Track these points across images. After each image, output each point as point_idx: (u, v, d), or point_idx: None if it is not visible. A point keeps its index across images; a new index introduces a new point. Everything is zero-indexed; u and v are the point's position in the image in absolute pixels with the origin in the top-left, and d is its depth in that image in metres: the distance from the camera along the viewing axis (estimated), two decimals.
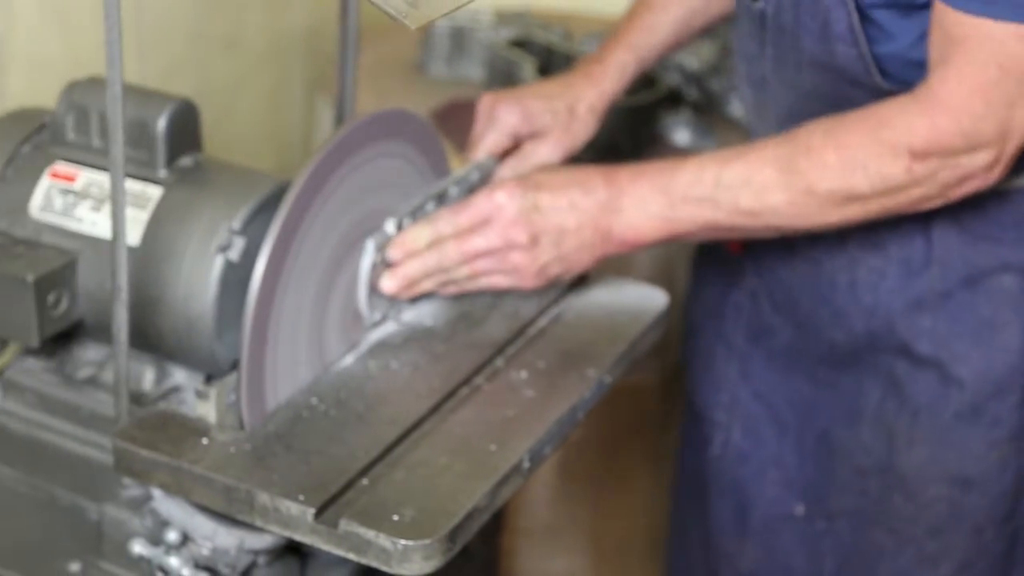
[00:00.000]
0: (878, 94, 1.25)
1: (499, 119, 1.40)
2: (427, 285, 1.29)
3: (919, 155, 1.19)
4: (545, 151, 1.41)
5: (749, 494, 1.52)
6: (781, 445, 1.49)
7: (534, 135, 1.41)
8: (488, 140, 1.39)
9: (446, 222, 1.27)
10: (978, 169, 1.20)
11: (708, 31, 1.56)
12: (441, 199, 1.31)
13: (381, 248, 1.26)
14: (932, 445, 1.35)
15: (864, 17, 1.23)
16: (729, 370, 1.54)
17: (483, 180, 1.36)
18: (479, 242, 1.26)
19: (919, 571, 1.40)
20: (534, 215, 1.26)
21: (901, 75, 1.25)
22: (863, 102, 1.25)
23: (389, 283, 1.27)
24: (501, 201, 1.26)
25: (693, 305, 1.61)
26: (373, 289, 1.26)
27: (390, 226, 1.26)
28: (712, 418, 1.56)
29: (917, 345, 1.34)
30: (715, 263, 1.55)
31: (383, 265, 1.27)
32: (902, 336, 1.35)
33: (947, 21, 1.17)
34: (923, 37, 1.22)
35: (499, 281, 1.29)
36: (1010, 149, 1.20)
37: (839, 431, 1.42)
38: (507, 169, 1.39)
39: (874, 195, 1.21)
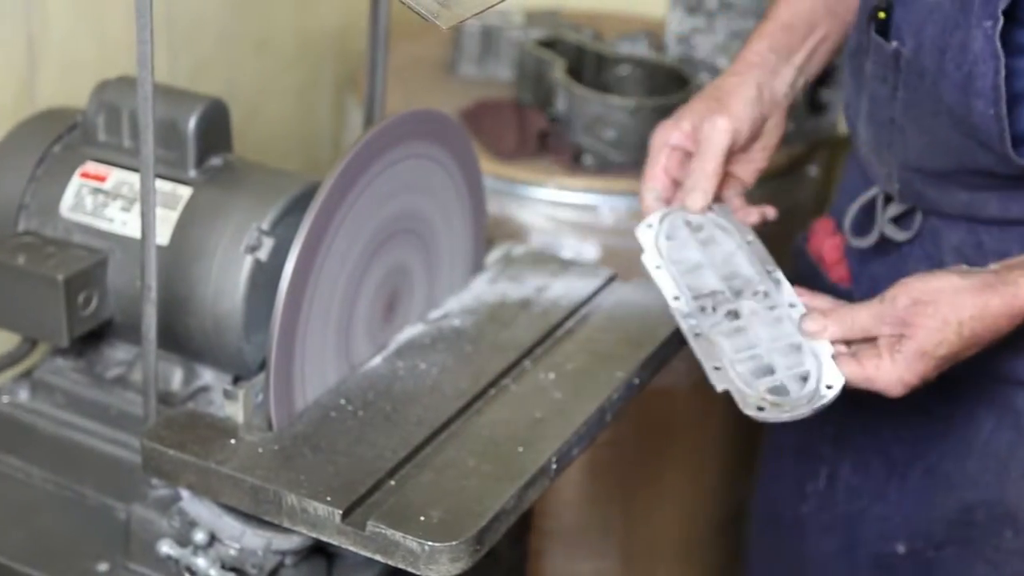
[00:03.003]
0: (1008, 164, 1.20)
1: (714, 141, 1.29)
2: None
3: None
4: (750, 163, 1.34)
5: (857, 530, 1.47)
6: (888, 480, 1.44)
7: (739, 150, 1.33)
8: (704, 168, 1.29)
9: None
10: None
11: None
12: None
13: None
14: None
15: (1015, 73, 1.16)
16: (837, 401, 1.50)
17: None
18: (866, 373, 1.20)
19: None
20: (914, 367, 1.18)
21: None
22: (993, 168, 1.20)
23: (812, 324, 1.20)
24: (893, 381, 1.19)
25: None
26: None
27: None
28: (818, 452, 1.50)
29: None
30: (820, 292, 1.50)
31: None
32: (1022, 364, 1.30)
33: None
34: None
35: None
36: None
37: (947, 464, 1.38)
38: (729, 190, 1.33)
39: None
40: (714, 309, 1.24)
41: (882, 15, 1.26)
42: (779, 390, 1.19)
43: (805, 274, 1.48)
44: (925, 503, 1.40)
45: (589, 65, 1.97)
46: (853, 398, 1.43)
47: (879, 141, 1.32)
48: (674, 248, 1.29)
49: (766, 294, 1.25)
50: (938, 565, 1.41)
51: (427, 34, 2.13)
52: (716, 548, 2.08)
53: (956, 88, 1.19)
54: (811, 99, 1.96)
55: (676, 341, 1.34)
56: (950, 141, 1.23)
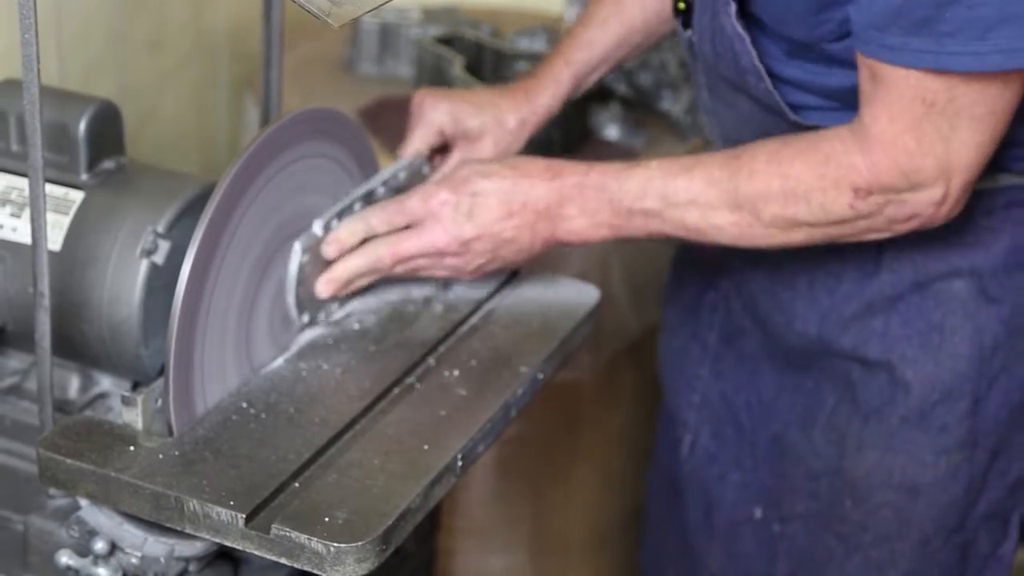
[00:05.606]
0: (796, 125, 1.26)
1: (427, 115, 1.39)
2: (362, 283, 1.28)
3: (862, 192, 1.18)
4: (478, 155, 1.40)
5: (714, 496, 1.52)
6: (740, 447, 1.49)
7: (464, 137, 1.40)
8: (416, 136, 1.39)
9: (379, 219, 1.26)
10: (925, 206, 1.19)
11: (650, 48, 1.54)
12: (368, 199, 1.30)
13: (308, 250, 1.25)
14: (880, 450, 1.34)
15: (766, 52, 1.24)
16: (702, 371, 1.53)
17: (411, 179, 1.35)
18: (411, 245, 1.26)
19: None
20: (467, 224, 1.25)
21: (813, 103, 1.26)
22: (787, 130, 1.25)
23: (325, 287, 1.26)
24: (434, 207, 1.25)
25: (670, 305, 1.60)
26: (301, 292, 1.25)
27: (318, 227, 1.25)
28: (683, 419, 1.55)
29: (868, 348, 1.33)
30: (693, 264, 1.54)
31: (311, 267, 1.25)
32: (854, 339, 1.34)
33: (867, 61, 1.16)
34: (829, 69, 1.23)
35: (437, 274, 1.30)
36: (957, 185, 1.18)
37: (793, 434, 1.42)
38: (438, 173, 1.39)
39: (818, 224, 1.22)
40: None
41: (682, 6, 1.34)
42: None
43: (684, 246, 1.56)
44: (776, 472, 1.45)
45: (487, 61, 1.97)
46: (715, 368, 1.47)
47: (709, 123, 1.41)
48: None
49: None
50: (785, 538, 1.45)
51: (326, 32, 2.12)
52: (625, 540, 2.10)
53: (731, 68, 1.27)
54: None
55: (579, 335, 1.35)
56: (751, 113, 1.31)
